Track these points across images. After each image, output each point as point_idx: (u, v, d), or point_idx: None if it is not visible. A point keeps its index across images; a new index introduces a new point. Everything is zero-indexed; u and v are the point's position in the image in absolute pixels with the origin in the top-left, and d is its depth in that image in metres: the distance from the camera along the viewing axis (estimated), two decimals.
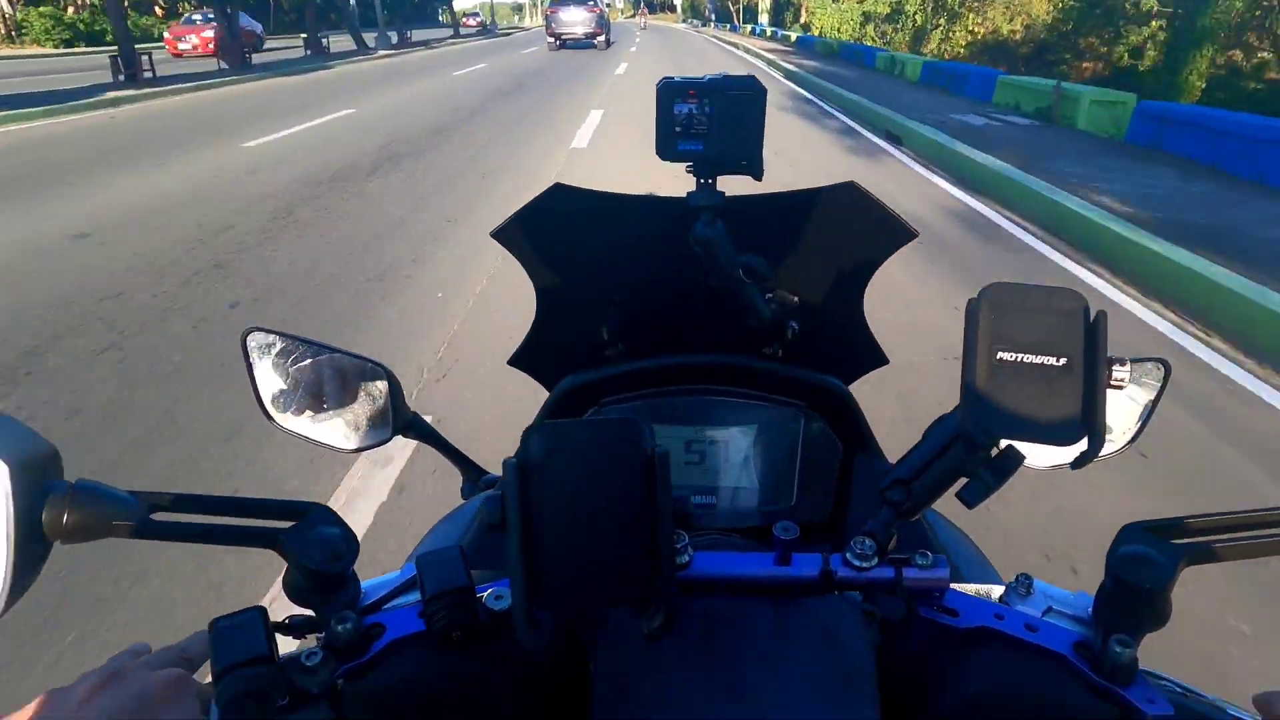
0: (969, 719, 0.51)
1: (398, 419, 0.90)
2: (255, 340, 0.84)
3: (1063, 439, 0.48)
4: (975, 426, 0.49)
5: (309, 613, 0.53)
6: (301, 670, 0.48)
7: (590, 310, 0.93)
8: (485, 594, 0.55)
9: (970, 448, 0.52)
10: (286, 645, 0.52)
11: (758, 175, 0.78)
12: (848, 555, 0.56)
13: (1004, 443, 0.52)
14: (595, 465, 0.46)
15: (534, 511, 0.45)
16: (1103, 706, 0.48)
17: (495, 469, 1.06)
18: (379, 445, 0.90)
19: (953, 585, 0.57)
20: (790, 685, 0.51)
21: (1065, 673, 0.50)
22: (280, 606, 0.51)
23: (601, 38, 26.04)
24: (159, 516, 0.48)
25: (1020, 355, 0.49)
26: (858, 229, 0.85)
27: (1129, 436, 0.74)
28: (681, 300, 0.92)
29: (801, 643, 0.53)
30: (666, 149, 0.76)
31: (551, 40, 26.31)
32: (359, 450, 0.87)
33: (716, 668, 0.52)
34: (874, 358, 0.96)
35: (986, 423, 0.49)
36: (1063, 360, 0.48)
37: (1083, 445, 0.48)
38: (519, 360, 1.00)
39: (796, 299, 0.89)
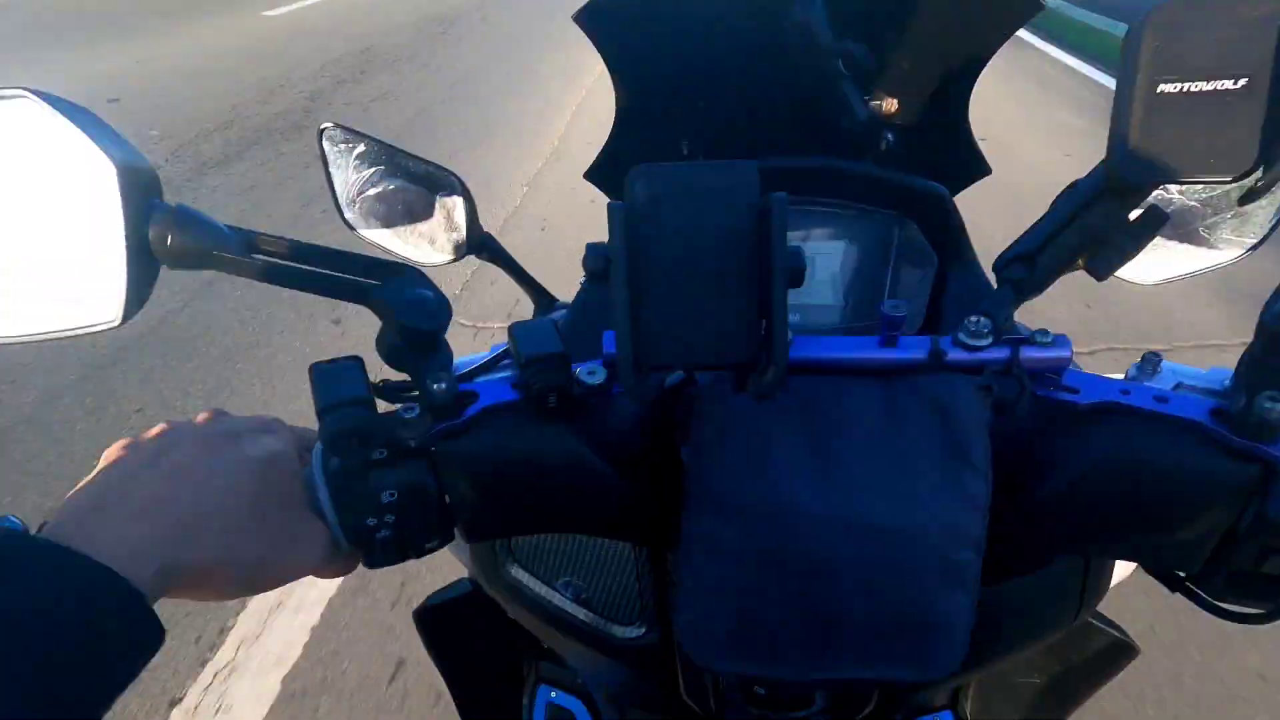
0: (1090, 491, 0.48)
1: (472, 236, 0.88)
2: (332, 137, 0.82)
3: (1227, 170, 0.42)
4: (1126, 168, 0.44)
5: (404, 378, 0.53)
6: (400, 423, 0.48)
7: (674, 121, 0.88)
8: (578, 369, 0.54)
9: (1118, 197, 0.46)
10: (382, 409, 0.52)
11: None
12: (959, 335, 0.53)
13: (1145, 202, 0.47)
14: (706, 211, 0.43)
15: (639, 260, 0.43)
16: (1242, 467, 0.45)
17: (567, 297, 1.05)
18: (453, 262, 0.89)
19: (1073, 367, 0.53)
20: (896, 455, 0.49)
21: (1200, 438, 0.47)
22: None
23: None
24: (257, 256, 0.47)
25: (1187, 85, 0.42)
26: (975, 6, 0.76)
27: (1256, 239, 0.67)
28: (771, 104, 0.86)
29: (910, 417, 0.50)
30: None
31: None
32: (431, 265, 0.86)
33: (821, 443, 0.50)
34: (976, 166, 0.89)
35: (1138, 164, 0.44)
36: (1241, 81, 0.41)
37: (1253, 175, 0.42)
38: (595, 173, 0.96)
39: (896, 104, 0.82)
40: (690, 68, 0.85)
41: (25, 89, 0.38)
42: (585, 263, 0.44)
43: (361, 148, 0.84)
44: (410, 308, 0.50)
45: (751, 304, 0.44)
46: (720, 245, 0.43)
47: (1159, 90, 0.43)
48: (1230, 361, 0.48)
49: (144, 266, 0.41)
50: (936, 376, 0.52)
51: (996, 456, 0.50)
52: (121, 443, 0.42)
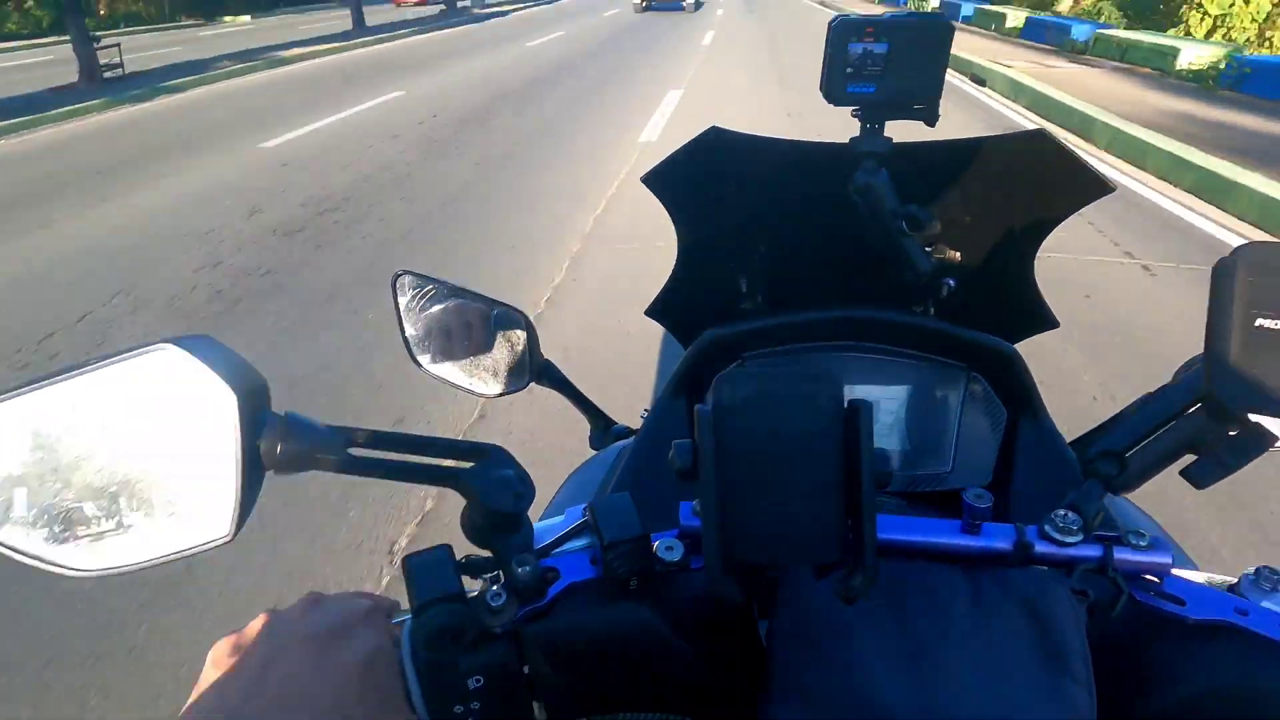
0: (1202, 717, 0.46)
1: (533, 365, 0.90)
2: (404, 282, 0.85)
3: None
4: (1227, 394, 0.44)
5: (485, 554, 0.53)
6: (487, 610, 0.48)
7: (734, 261, 0.90)
8: (657, 544, 0.54)
9: (1216, 417, 0.46)
10: (466, 585, 0.52)
11: (931, 121, 0.73)
12: (1046, 528, 0.52)
13: (1251, 418, 0.47)
14: (792, 415, 0.43)
15: (726, 460, 0.43)
16: None
17: (624, 420, 1.06)
18: (516, 392, 0.90)
19: (1176, 572, 0.51)
20: (989, 657, 0.47)
21: None
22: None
23: (690, 0, 24.22)
24: (355, 452, 0.48)
25: None
26: (1041, 182, 0.78)
27: None
28: (831, 252, 0.88)
29: (1000, 614, 0.49)
30: (834, 91, 0.72)
31: (638, 2, 24.50)
32: (496, 396, 0.88)
33: (907, 634, 0.49)
34: (1042, 320, 0.89)
35: (1239, 391, 0.44)
36: None
37: None
38: (657, 311, 0.98)
39: (959, 256, 0.83)
40: (753, 224, 0.87)
41: (166, 340, 0.40)
42: (672, 460, 0.45)
43: (429, 289, 0.86)
44: (494, 490, 0.51)
45: (838, 505, 0.44)
46: (806, 448, 0.43)
47: (1257, 324, 0.43)
48: None
49: (254, 478, 0.43)
50: (1027, 572, 0.51)
51: (1099, 662, 0.48)
52: (227, 643, 0.43)
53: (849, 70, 0.71)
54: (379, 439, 0.50)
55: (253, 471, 0.42)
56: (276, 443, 0.43)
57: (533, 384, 0.92)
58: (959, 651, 0.47)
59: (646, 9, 24.27)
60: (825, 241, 0.87)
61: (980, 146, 0.77)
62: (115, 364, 0.40)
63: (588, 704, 0.55)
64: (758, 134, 0.81)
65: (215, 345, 0.42)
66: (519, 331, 0.90)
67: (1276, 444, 0.48)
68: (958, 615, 0.49)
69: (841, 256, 0.87)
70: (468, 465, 0.52)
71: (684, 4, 24.08)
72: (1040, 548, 0.52)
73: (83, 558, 0.41)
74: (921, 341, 0.83)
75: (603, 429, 1.04)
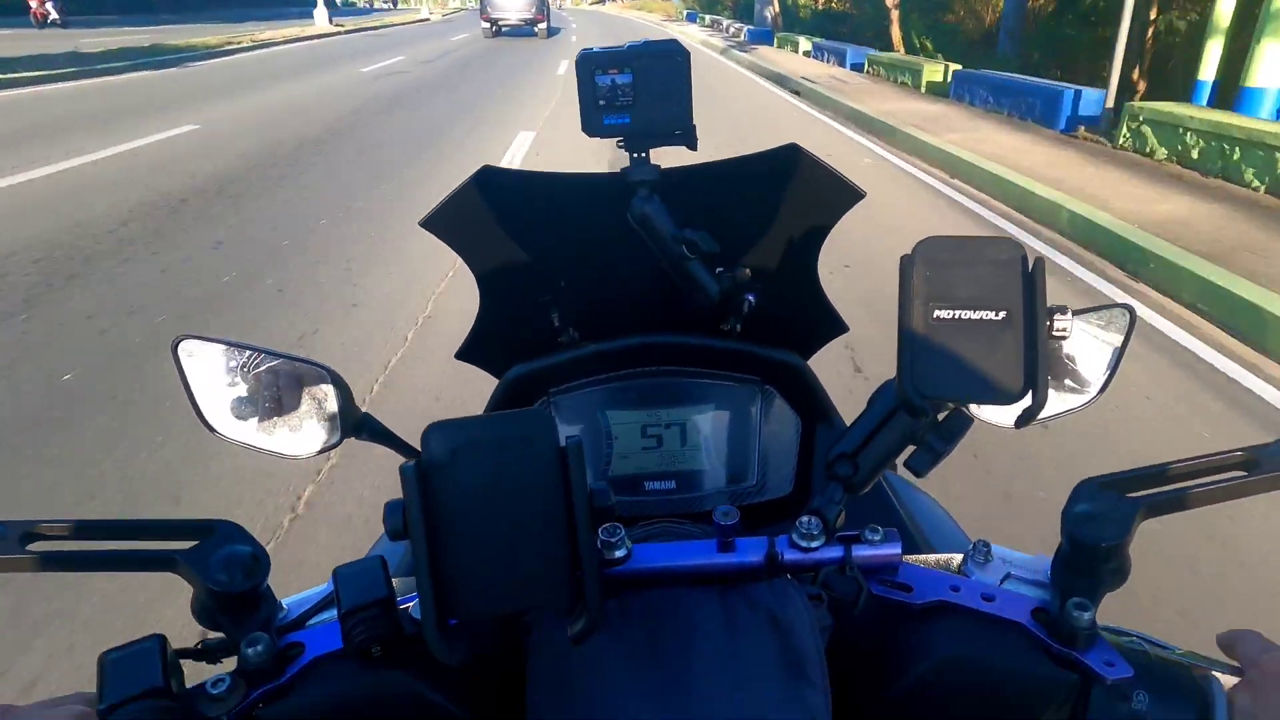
0: (924, 694, 0.49)
1: (346, 421, 0.87)
2: (187, 348, 0.81)
3: (1005, 398, 0.45)
4: (913, 391, 0.46)
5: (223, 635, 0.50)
6: (208, 699, 0.45)
7: (536, 296, 0.90)
8: (411, 604, 0.52)
9: (910, 413, 0.49)
10: (202, 672, 0.49)
11: (692, 145, 0.74)
12: (794, 536, 0.53)
13: (946, 405, 0.49)
14: (503, 462, 0.43)
15: (439, 516, 0.42)
16: (1063, 673, 0.46)
17: None
18: (330, 449, 0.87)
19: (907, 558, 0.54)
20: (737, 677, 0.48)
21: (1024, 641, 0.48)
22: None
23: (541, 24, 23.11)
24: (36, 546, 0.44)
25: (958, 312, 0.46)
26: (803, 193, 0.81)
27: (1098, 385, 0.72)
28: (631, 281, 0.89)
29: (748, 632, 0.50)
30: (591, 124, 0.73)
31: (487, 25, 23.14)
32: (308, 456, 0.84)
33: (659, 663, 0.49)
34: (833, 326, 0.92)
35: (924, 386, 0.46)
36: (1001, 314, 0.45)
37: (1027, 402, 0.45)
38: (467, 353, 0.96)
39: (748, 272, 0.86)
40: (547, 259, 0.88)
41: None
42: (384, 521, 0.43)
43: (219, 352, 0.82)
44: (221, 568, 0.48)
45: (561, 546, 0.43)
46: (521, 493, 0.43)
47: (935, 315, 0.46)
48: None
49: None
50: (771, 585, 0.52)
51: (841, 654, 0.50)
52: None
53: (601, 103, 0.72)
54: (75, 529, 0.46)
55: None
56: None
57: (350, 438, 0.89)
58: (709, 674, 0.48)
59: (496, 34, 23.52)
60: (621, 271, 0.88)
61: (739, 165, 0.79)
62: None
63: None
64: (530, 170, 0.81)
65: None
66: (326, 386, 0.87)
67: (973, 422, 0.51)
68: (710, 637, 0.50)
69: (640, 285, 0.88)
70: (187, 546, 0.49)
71: (535, 29, 23.32)
72: (789, 556, 0.53)
73: None
74: (717, 361, 0.85)
75: None
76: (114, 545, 0.47)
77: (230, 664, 0.50)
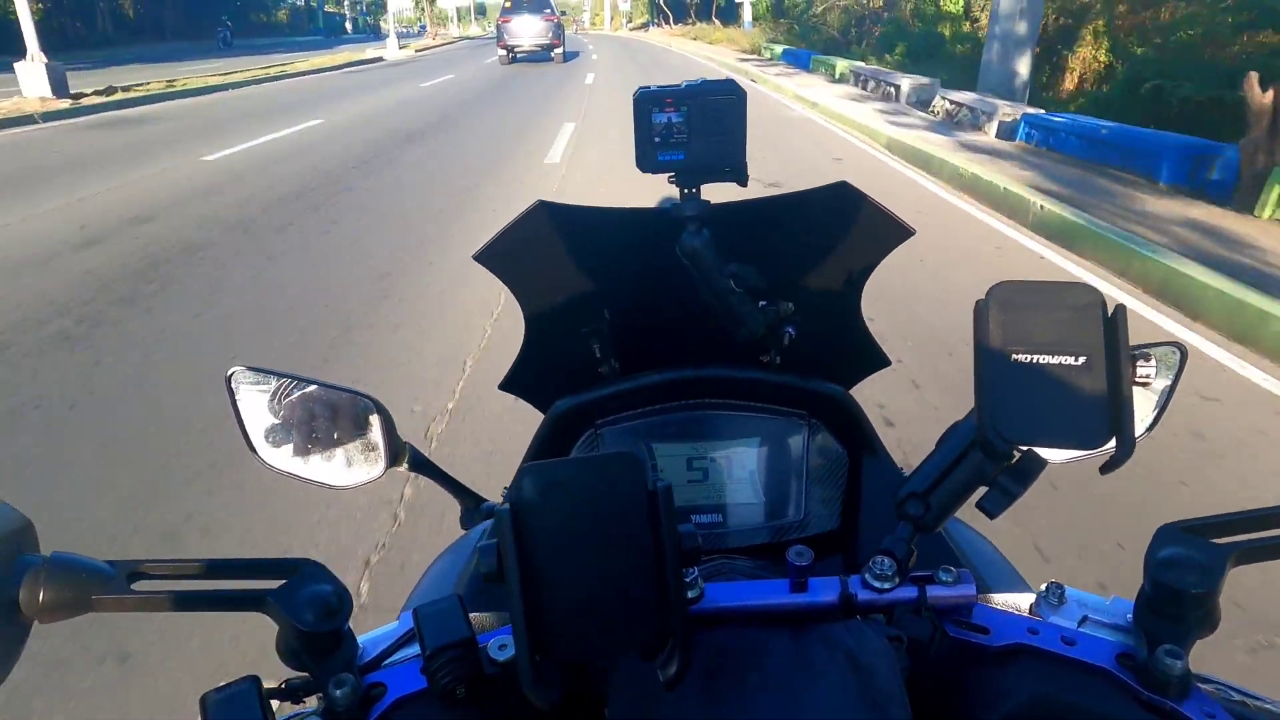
0: None
1: (390, 450, 0.88)
2: (240, 378, 0.82)
3: (1088, 442, 0.45)
4: (992, 432, 0.47)
5: (306, 675, 0.51)
6: None
7: (581, 328, 0.91)
8: (489, 643, 0.52)
9: (988, 455, 0.49)
10: (287, 712, 0.49)
11: (743, 181, 0.76)
12: (866, 576, 0.54)
13: (1020, 448, 0.50)
14: (594, 504, 0.43)
15: (532, 558, 0.43)
16: None
17: (495, 498, 1.04)
18: (373, 481, 0.88)
19: (980, 599, 0.54)
20: (820, 718, 0.48)
21: (1111, 687, 0.48)
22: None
23: (558, 50, 22.63)
24: (140, 585, 0.45)
25: (1036, 356, 0.46)
26: (851, 229, 0.82)
27: (1146, 424, 0.72)
28: (674, 313, 0.90)
29: (824, 671, 0.50)
30: (646, 160, 0.74)
31: (503, 53, 22.47)
32: (352, 487, 0.85)
33: (736, 704, 0.49)
34: (875, 359, 0.93)
35: (1004, 428, 0.47)
36: (1082, 359, 0.46)
37: (1110, 447, 0.46)
38: (511, 384, 0.97)
39: (792, 306, 0.87)
40: (594, 292, 0.89)
41: None
42: (478, 565, 0.44)
43: (270, 383, 0.83)
44: (306, 608, 0.48)
45: (650, 589, 0.44)
46: (612, 535, 0.44)
47: (1013, 358, 0.46)
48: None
49: (8, 633, 0.39)
50: (848, 626, 0.52)
51: (919, 699, 0.50)
52: None
53: (657, 140, 0.73)
54: (174, 569, 0.47)
55: (8, 626, 0.39)
56: (39, 589, 0.40)
57: (394, 469, 0.90)
58: (787, 713, 0.48)
59: (513, 60, 22.86)
60: (667, 304, 0.89)
61: (789, 202, 0.81)
62: None
63: None
64: (585, 205, 0.82)
65: None
66: (373, 417, 0.87)
67: (1048, 463, 0.51)
68: (787, 678, 0.50)
69: (684, 317, 0.89)
70: (275, 585, 0.49)
71: (551, 54, 22.76)
72: (863, 596, 0.53)
73: None
74: (761, 394, 0.85)
75: (473, 507, 1.02)
76: (208, 585, 0.48)
77: (311, 701, 0.51)
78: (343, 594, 0.51)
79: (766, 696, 0.49)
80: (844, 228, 0.82)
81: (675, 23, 48.92)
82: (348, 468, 0.88)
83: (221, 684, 0.45)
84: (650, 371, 0.88)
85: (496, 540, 0.43)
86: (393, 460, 0.88)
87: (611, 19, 74.71)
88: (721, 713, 0.48)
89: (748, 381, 0.85)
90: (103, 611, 0.43)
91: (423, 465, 0.92)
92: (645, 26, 58.93)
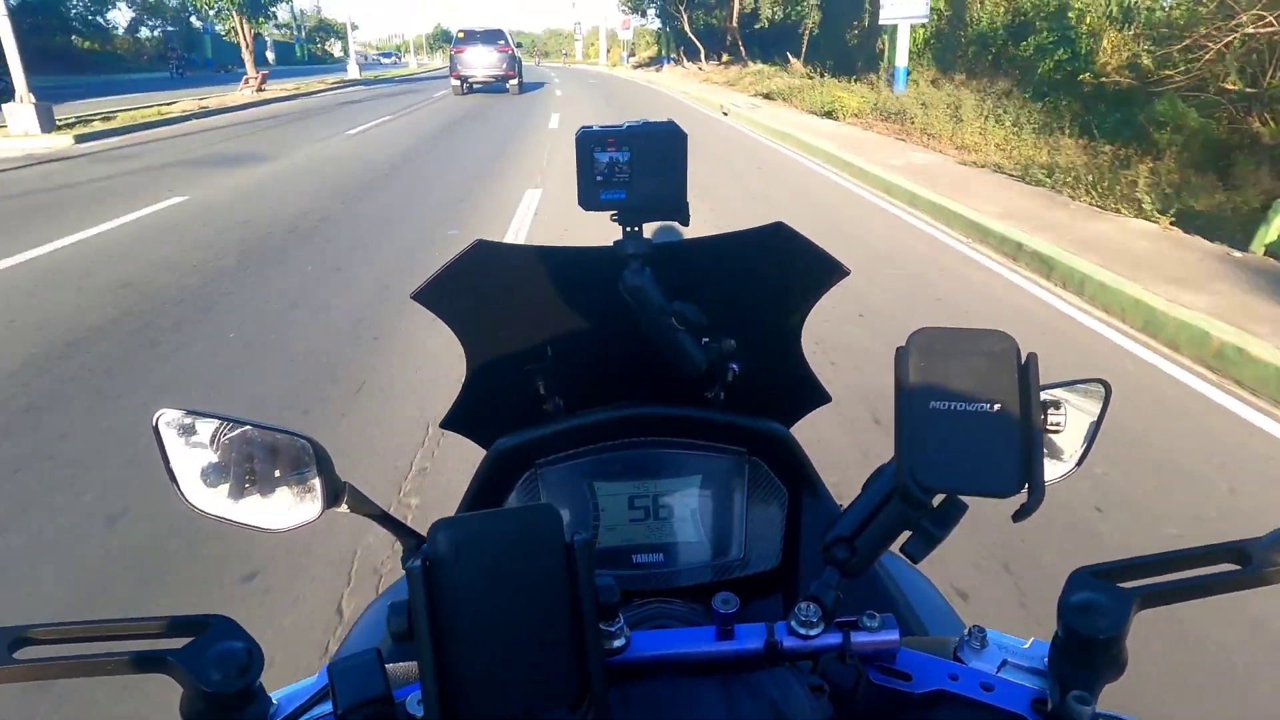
0: None
1: (327, 491, 0.86)
2: (166, 419, 0.80)
3: (1001, 490, 0.46)
4: (910, 480, 0.47)
5: None
6: None
7: (524, 366, 0.90)
8: (408, 698, 0.51)
9: (908, 502, 0.49)
10: None
11: (684, 220, 0.76)
12: (792, 623, 0.53)
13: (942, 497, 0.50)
14: (511, 558, 0.43)
15: (445, 615, 0.42)
16: None
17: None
18: (309, 523, 0.86)
19: (904, 644, 0.54)
20: None
21: None
22: None
23: (514, 81, 22.18)
24: (25, 653, 0.43)
25: (953, 403, 0.47)
26: (788, 268, 0.83)
27: (1075, 460, 0.73)
28: (618, 351, 0.90)
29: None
30: (589, 199, 0.75)
31: (457, 83, 21.92)
32: (287, 529, 0.83)
33: None
34: (816, 396, 0.94)
35: (922, 476, 0.47)
36: (996, 406, 0.46)
37: (1023, 497, 0.46)
38: (453, 422, 0.96)
39: (734, 343, 0.87)
40: (536, 330, 0.88)
41: None
42: (389, 624, 0.43)
43: (200, 423, 0.81)
44: (214, 667, 0.47)
45: (567, 642, 0.43)
46: (528, 589, 0.43)
47: (930, 405, 0.47)
48: None
49: None
50: (772, 674, 0.52)
51: None
52: None
53: (599, 178, 0.74)
54: (65, 633, 0.45)
55: None
56: None
57: (331, 509, 0.88)
58: None
59: (468, 91, 22.33)
60: (610, 342, 0.89)
61: (728, 242, 0.81)
62: None
63: None
64: (523, 244, 0.82)
65: None
66: (307, 457, 0.86)
67: (967, 509, 0.51)
68: None
69: (627, 355, 0.89)
70: (180, 644, 0.48)
71: (507, 85, 22.33)
72: (788, 643, 0.53)
73: None
74: (703, 431, 0.85)
75: (415, 548, 1.00)
76: (105, 648, 0.46)
77: None
78: (253, 650, 0.49)
79: None
80: (780, 266, 0.83)
81: (705, 59, 30.84)
82: (282, 510, 0.86)
83: None
84: (592, 410, 0.87)
85: (408, 597, 0.43)
86: (331, 500, 0.87)
87: (608, 50, 57.62)
88: None
89: (689, 419, 0.85)
90: None
91: (363, 504, 0.91)
92: (656, 64, 39.26)
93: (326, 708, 0.52)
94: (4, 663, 0.41)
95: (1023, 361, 0.47)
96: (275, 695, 0.53)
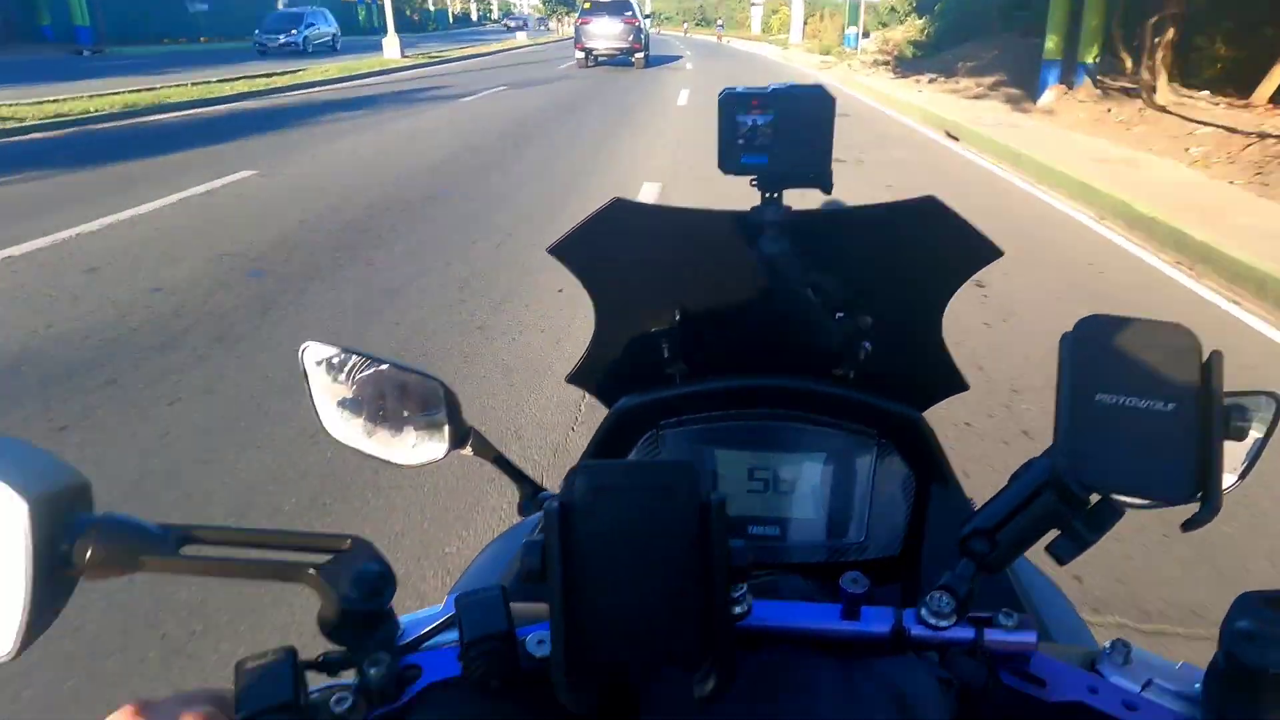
0: None
1: (454, 433, 0.89)
2: (312, 354, 0.84)
3: (1172, 497, 0.42)
4: (1070, 477, 0.44)
5: (344, 650, 0.51)
6: (330, 716, 0.46)
7: (651, 327, 0.90)
8: (528, 638, 0.52)
9: (1063, 499, 0.46)
10: (322, 684, 0.50)
11: (826, 188, 0.74)
12: (923, 612, 0.51)
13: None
14: (646, 511, 0.43)
15: (577, 560, 0.42)
16: None
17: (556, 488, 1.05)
18: (435, 461, 0.89)
19: (1040, 648, 0.51)
20: None
21: None
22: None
23: (639, 54, 21.12)
24: (189, 550, 0.46)
25: (1123, 398, 0.43)
26: (937, 246, 0.79)
27: (1235, 476, 0.67)
28: (746, 320, 0.88)
29: (871, 707, 0.48)
30: (729, 161, 0.73)
31: (581, 55, 21.28)
32: (416, 466, 0.87)
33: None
34: (953, 383, 0.89)
35: (1083, 473, 0.43)
36: (1172, 405, 0.42)
37: (1195, 505, 0.42)
38: (578, 377, 0.97)
39: (870, 320, 0.84)
40: (667, 292, 0.88)
41: None
42: (522, 561, 0.44)
43: (341, 359, 0.85)
44: (351, 585, 0.49)
45: (695, 603, 0.43)
46: (661, 544, 0.43)
47: (1097, 399, 0.43)
48: None
49: (56, 587, 0.41)
50: (897, 662, 0.50)
51: None
52: None
53: (740, 141, 0.72)
54: (223, 535, 0.48)
55: (49, 584, 0.40)
56: (88, 546, 0.41)
57: (456, 450, 0.91)
58: None
59: (593, 64, 21.59)
60: (739, 310, 0.87)
61: (874, 214, 0.78)
62: None
63: None
64: (660, 204, 0.81)
65: (16, 446, 0.40)
66: (438, 398, 0.89)
67: (1125, 511, 0.47)
68: (830, 708, 0.48)
69: (756, 325, 0.87)
70: (323, 559, 0.50)
71: (633, 59, 21.33)
72: (916, 632, 0.51)
73: None
74: (832, 409, 0.83)
75: (531, 495, 1.03)
76: (256, 554, 0.49)
77: (348, 676, 0.52)
78: (388, 574, 0.51)
79: None
80: (928, 243, 0.79)
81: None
82: (412, 447, 0.90)
83: (259, 652, 0.46)
84: (719, 376, 0.86)
85: (542, 537, 0.43)
86: (458, 442, 0.90)
87: (805, 22, 34.64)
88: None
89: (820, 395, 0.83)
90: (149, 572, 0.44)
91: (486, 449, 0.94)
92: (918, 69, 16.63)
93: (449, 636, 0.54)
94: (172, 557, 0.45)
95: (1205, 359, 0.43)
96: (403, 619, 0.55)
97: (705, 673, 0.43)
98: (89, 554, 0.41)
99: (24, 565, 0.39)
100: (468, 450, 0.91)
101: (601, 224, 0.80)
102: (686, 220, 0.82)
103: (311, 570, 0.49)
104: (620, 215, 0.80)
